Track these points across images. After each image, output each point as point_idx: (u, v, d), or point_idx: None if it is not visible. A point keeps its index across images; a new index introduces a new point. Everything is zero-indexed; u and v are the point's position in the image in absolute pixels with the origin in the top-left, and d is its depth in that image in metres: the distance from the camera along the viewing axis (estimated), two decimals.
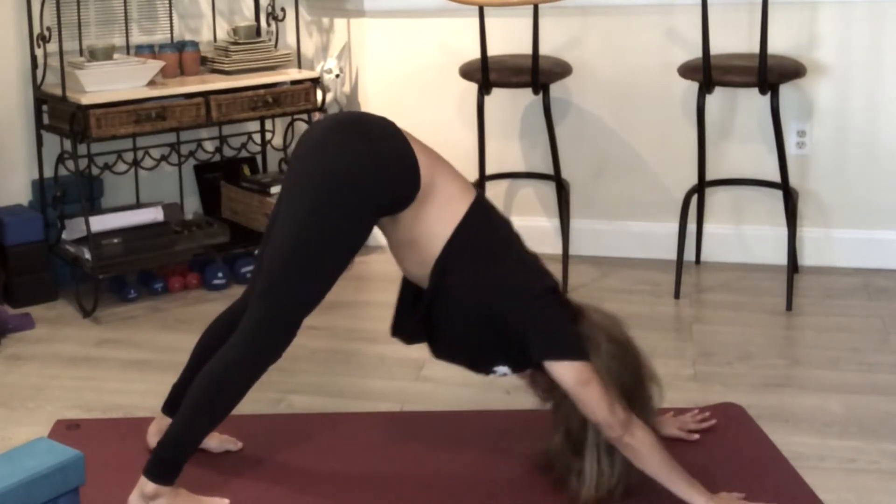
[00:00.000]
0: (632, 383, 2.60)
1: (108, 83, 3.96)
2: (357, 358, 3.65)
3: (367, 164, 2.55)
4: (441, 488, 2.74)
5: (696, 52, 3.93)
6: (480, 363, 2.73)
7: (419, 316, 2.66)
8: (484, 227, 2.64)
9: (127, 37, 4.34)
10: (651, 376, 2.67)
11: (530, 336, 2.55)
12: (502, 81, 4.09)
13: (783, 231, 4.08)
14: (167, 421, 2.78)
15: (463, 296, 2.59)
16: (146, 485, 2.55)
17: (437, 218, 2.59)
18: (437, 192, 2.59)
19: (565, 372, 2.52)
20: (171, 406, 2.84)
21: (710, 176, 4.21)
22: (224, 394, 2.57)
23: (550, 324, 2.57)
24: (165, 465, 2.56)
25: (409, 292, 2.75)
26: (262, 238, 2.79)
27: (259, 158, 4.71)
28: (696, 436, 2.93)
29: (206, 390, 2.57)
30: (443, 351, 2.75)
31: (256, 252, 2.80)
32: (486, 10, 3.99)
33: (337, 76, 4.56)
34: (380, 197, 2.57)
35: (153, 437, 2.87)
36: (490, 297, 2.58)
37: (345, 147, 2.57)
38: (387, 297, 4.19)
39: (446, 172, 2.64)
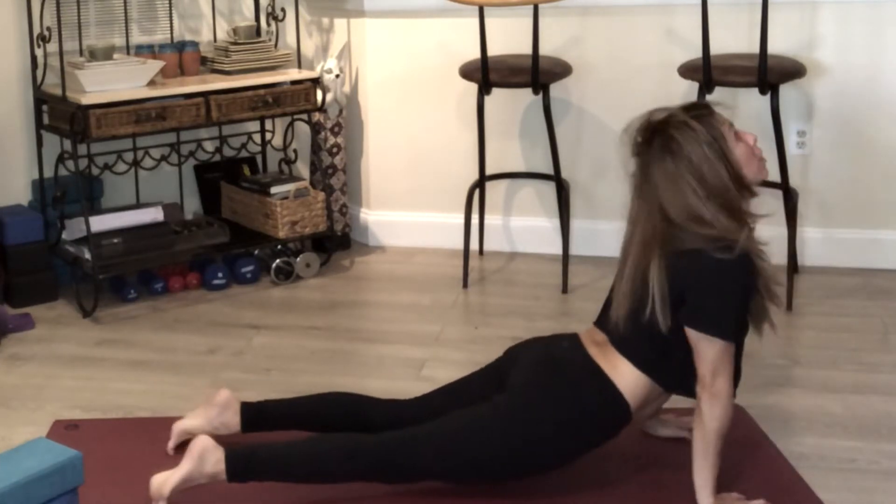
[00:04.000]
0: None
1: (108, 83, 3.96)
2: (357, 358, 3.65)
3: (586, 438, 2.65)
4: (441, 489, 2.73)
5: (696, 52, 3.93)
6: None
7: None
8: (639, 343, 2.64)
9: (127, 37, 4.34)
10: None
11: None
12: (502, 81, 4.09)
13: (783, 231, 4.08)
14: (234, 415, 2.82)
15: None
16: (219, 465, 2.56)
17: (636, 387, 2.64)
18: (626, 380, 2.65)
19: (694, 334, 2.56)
20: (254, 417, 2.86)
21: None
22: (332, 475, 2.62)
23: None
24: (247, 470, 2.58)
25: None
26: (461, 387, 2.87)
27: (259, 158, 4.71)
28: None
29: (321, 463, 2.60)
30: None
31: (446, 391, 2.91)
32: (486, 10, 3.99)
33: (337, 76, 4.56)
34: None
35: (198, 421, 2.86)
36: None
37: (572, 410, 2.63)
38: (387, 298, 4.21)
39: (611, 356, 2.67)
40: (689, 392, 2.62)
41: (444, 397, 2.84)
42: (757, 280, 2.59)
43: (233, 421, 2.84)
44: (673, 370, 2.63)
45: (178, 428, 2.88)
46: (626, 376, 2.63)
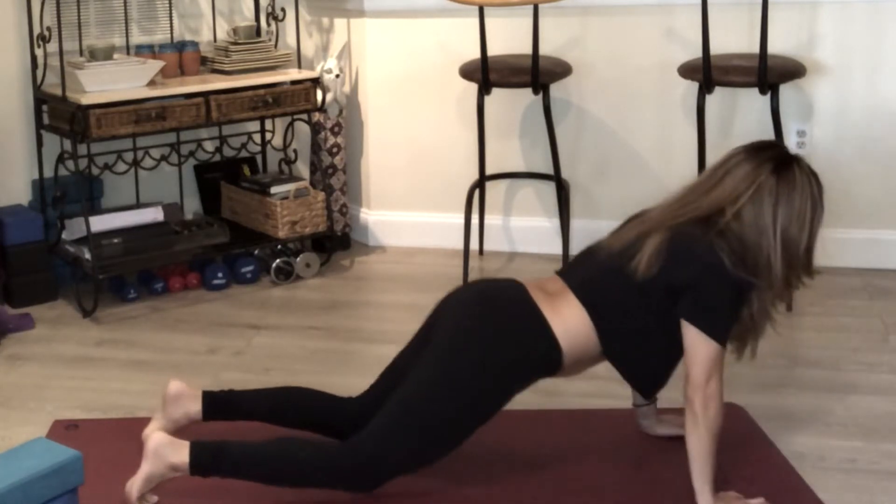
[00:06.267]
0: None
1: (108, 83, 3.96)
2: (357, 358, 3.65)
3: (513, 360, 2.63)
4: (440, 489, 2.74)
5: (696, 52, 3.93)
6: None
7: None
8: (604, 289, 2.66)
9: (127, 37, 4.34)
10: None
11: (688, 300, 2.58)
12: (502, 81, 4.09)
13: None
14: (192, 402, 2.81)
15: (643, 340, 2.66)
16: (182, 456, 2.55)
17: (577, 343, 2.64)
18: (564, 334, 2.64)
19: (694, 331, 2.55)
20: (216, 404, 2.84)
21: None
22: (297, 480, 2.61)
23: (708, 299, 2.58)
24: (213, 464, 2.57)
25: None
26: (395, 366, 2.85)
27: (259, 158, 4.72)
28: None
29: (287, 467, 2.59)
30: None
31: (382, 377, 2.90)
32: (486, 10, 3.99)
33: (337, 76, 4.56)
34: (524, 383, 2.69)
35: (175, 404, 2.84)
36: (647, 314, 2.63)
37: (493, 336, 2.63)
38: (387, 298, 4.21)
39: (557, 302, 2.67)
40: (621, 362, 2.65)
41: (390, 376, 2.82)
42: (744, 311, 2.62)
43: (192, 408, 2.83)
44: (621, 335, 2.64)
45: (147, 436, 2.82)
46: (568, 322, 2.62)
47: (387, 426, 2.60)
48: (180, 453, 2.56)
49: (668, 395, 3.06)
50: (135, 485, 2.57)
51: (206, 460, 2.57)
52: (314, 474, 2.59)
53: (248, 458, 2.60)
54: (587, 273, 2.71)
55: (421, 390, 2.61)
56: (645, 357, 2.67)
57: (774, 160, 2.62)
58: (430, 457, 2.65)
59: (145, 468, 2.57)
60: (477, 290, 2.79)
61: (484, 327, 2.64)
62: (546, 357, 2.64)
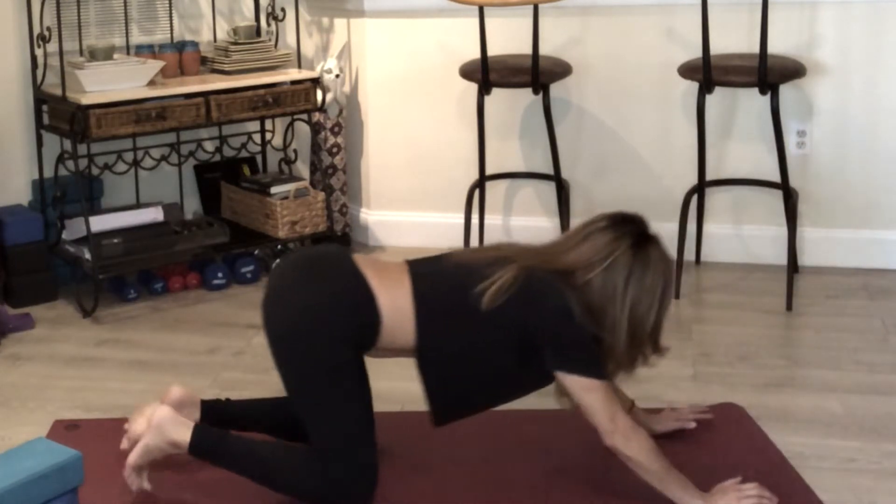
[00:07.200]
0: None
1: (108, 83, 3.96)
2: None
3: (329, 314, 2.56)
4: (440, 489, 2.74)
5: (696, 52, 3.93)
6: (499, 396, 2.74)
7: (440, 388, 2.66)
8: (441, 295, 2.62)
9: (127, 37, 4.34)
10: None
11: (546, 350, 2.56)
12: (502, 81, 4.09)
13: (783, 231, 4.08)
14: (192, 410, 2.77)
15: (462, 348, 2.61)
16: (184, 435, 2.57)
17: (395, 319, 2.58)
18: (386, 300, 2.59)
19: (572, 380, 2.54)
20: (216, 412, 2.83)
21: (710, 176, 4.21)
22: (290, 488, 2.60)
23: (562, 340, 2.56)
24: (212, 451, 2.59)
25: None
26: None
27: (259, 158, 4.72)
28: (693, 424, 2.94)
29: (282, 474, 2.59)
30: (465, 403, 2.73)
31: None
32: (486, 10, 3.99)
33: (337, 76, 4.56)
34: (347, 337, 2.58)
35: (173, 410, 2.77)
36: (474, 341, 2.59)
37: (305, 301, 2.58)
38: None
39: (388, 276, 2.63)
40: (426, 372, 2.62)
41: None
42: None
43: (191, 417, 2.80)
44: (438, 344, 2.59)
45: (134, 434, 2.76)
46: (394, 300, 2.57)
47: (318, 443, 2.58)
48: (182, 432, 2.59)
49: (671, 396, 3.07)
50: (133, 454, 2.59)
51: (207, 445, 2.59)
52: (305, 486, 2.59)
53: (247, 455, 2.61)
54: (432, 274, 2.67)
55: (305, 397, 2.59)
56: (450, 380, 2.64)
57: (634, 236, 2.61)
58: (369, 432, 2.62)
59: (145, 439, 2.59)
60: (293, 264, 2.71)
61: (301, 301, 2.58)
62: (364, 309, 2.55)
